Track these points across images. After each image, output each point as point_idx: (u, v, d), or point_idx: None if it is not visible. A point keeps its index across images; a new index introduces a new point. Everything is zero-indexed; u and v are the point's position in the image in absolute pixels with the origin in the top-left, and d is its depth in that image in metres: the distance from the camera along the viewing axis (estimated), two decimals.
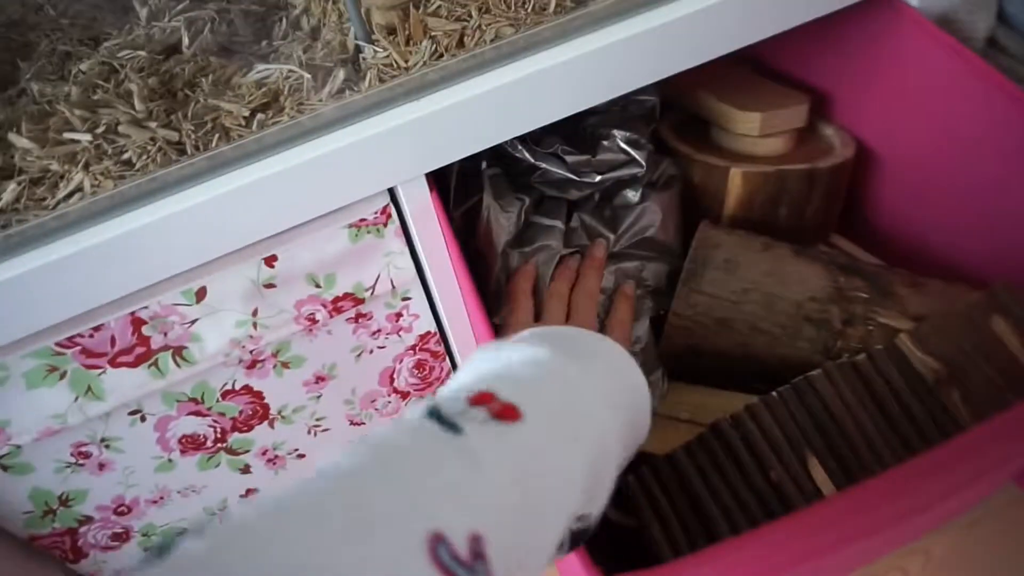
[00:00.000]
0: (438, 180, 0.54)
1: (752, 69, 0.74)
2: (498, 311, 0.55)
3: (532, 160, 0.57)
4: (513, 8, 0.51)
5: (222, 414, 0.60)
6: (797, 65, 0.72)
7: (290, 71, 0.51)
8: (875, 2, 0.57)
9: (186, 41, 0.55)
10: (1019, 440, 0.36)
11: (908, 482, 0.35)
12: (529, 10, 0.51)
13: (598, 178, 0.56)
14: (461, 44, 0.50)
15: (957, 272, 0.60)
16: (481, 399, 0.31)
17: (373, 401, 0.66)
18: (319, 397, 0.63)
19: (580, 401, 0.34)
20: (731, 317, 0.53)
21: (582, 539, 0.34)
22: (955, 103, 0.56)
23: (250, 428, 0.62)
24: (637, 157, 0.57)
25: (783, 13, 0.52)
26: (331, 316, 0.56)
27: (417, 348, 0.64)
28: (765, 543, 0.33)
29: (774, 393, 0.45)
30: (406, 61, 0.50)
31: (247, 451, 0.64)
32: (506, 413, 0.31)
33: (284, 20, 0.56)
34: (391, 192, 0.53)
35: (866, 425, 0.44)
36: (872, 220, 0.70)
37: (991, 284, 0.49)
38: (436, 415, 0.30)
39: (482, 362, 0.36)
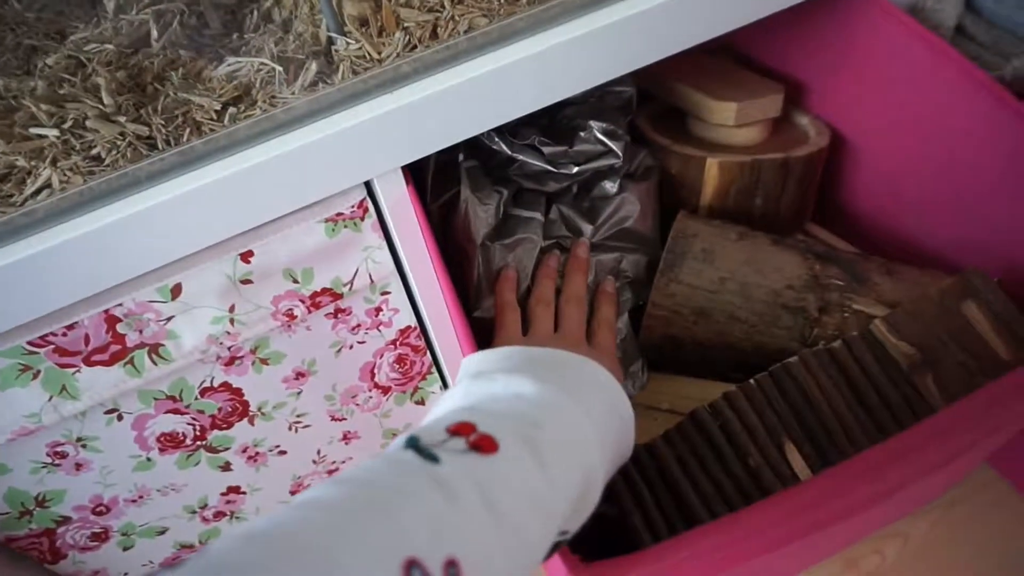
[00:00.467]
0: (415, 173, 0.54)
1: (728, 59, 0.75)
2: (479, 304, 0.55)
3: (509, 152, 0.56)
4: None
5: (201, 412, 0.59)
6: (772, 55, 0.72)
7: (261, 64, 0.50)
8: None
9: (155, 34, 0.54)
10: (988, 421, 0.37)
11: (882, 465, 0.35)
12: (502, 0, 0.51)
13: (575, 169, 0.56)
14: (435, 35, 0.50)
15: (931, 259, 0.61)
16: (460, 430, 0.32)
17: (354, 397, 0.66)
18: (299, 393, 0.62)
19: (563, 434, 0.35)
20: (709, 307, 0.54)
21: (560, 546, 0.35)
22: (925, 91, 0.57)
23: (230, 425, 0.61)
24: (614, 148, 0.57)
25: (754, 3, 0.52)
26: (309, 311, 0.56)
27: (397, 343, 0.63)
28: (741, 527, 0.33)
29: (752, 380, 0.45)
30: (379, 53, 0.49)
31: (227, 448, 0.63)
32: (483, 444, 0.32)
33: (255, 12, 0.56)
34: (367, 186, 0.52)
35: (842, 410, 0.44)
36: (847, 208, 0.70)
37: (963, 270, 0.49)
38: (415, 445, 0.31)
39: (466, 394, 0.37)
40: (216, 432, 0.61)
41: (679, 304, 0.54)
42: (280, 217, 0.50)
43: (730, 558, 0.35)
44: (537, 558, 0.32)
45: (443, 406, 0.38)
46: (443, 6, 0.51)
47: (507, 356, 0.42)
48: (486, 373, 0.39)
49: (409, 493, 0.29)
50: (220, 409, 0.60)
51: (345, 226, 0.53)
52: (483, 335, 0.53)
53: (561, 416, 0.36)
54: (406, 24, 0.50)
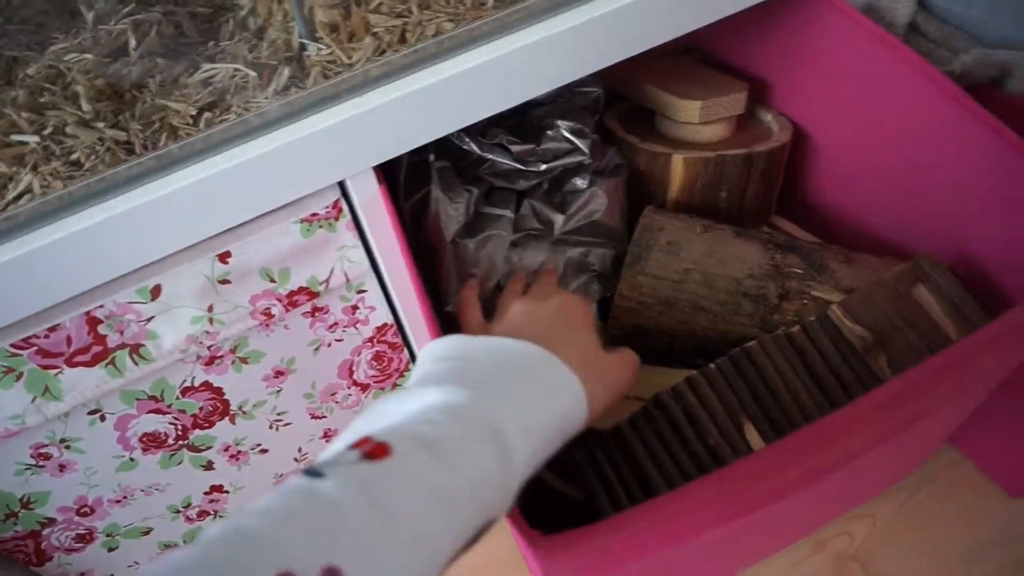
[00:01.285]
0: (387, 173, 0.55)
1: (694, 59, 0.77)
2: (450, 300, 0.57)
3: (479, 152, 0.58)
4: (452, 4, 0.53)
5: (182, 411, 0.60)
6: (737, 54, 0.74)
7: (236, 70, 0.52)
8: None
9: (133, 43, 0.55)
10: (932, 391, 0.39)
11: (831, 435, 0.37)
12: (468, 5, 0.53)
13: (543, 167, 0.58)
14: (403, 40, 0.52)
15: (888, 247, 0.63)
16: (357, 444, 0.33)
17: (333, 394, 0.67)
18: (279, 392, 0.64)
19: (467, 425, 0.35)
20: (674, 297, 0.55)
21: (486, 530, 0.35)
22: (879, 86, 0.59)
23: (211, 424, 0.63)
24: (580, 146, 0.59)
25: (710, 5, 0.54)
26: (287, 310, 0.57)
27: (375, 340, 0.65)
28: (694, 497, 0.35)
29: (712, 365, 0.47)
30: (349, 58, 0.51)
31: (209, 447, 0.64)
32: (375, 451, 0.32)
33: (231, 21, 0.57)
34: (341, 186, 0.54)
35: (798, 390, 0.46)
36: (811, 201, 0.72)
37: (915, 256, 0.51)
38: (309, 470, 0.32)
39: (381, 414, 0.36)
40: (198, 431, 0.63)
41: (646, 295, 0.56)
42: (256, 218, 0.52)
43: (686, 528, 0.36)
44: (444, 549, 0.32)
45: (352, 427, 0.37)
46: (411, 12, 0.53)
47: (442, 353, 0.41)
48: (402, 388, 0.39)
49: (284, 512, 0.29)
50: (201, 408, 0.61)
51: (320, 226, 0.54)
52: (455, 330, 0.54)
53: (468, 409, 0.36)
54: (375, 30, 0.52)
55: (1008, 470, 0.66)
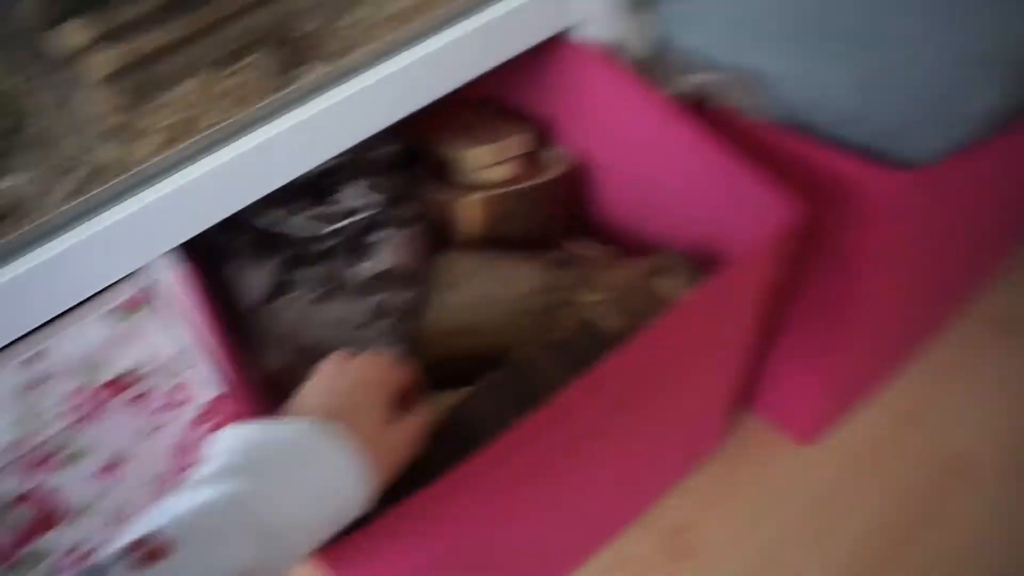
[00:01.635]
0: (194, 250, 0.59)
1: (487, 109, 0.86)
2: (258, 363, 0.61)
3: (276, 221, 0.63)
4: (234, 90, 0.59)
5: (17, 520, 0.60)
6: (523, 100, 0.83)
7: (28, 179, 0.55)
8: (553, 43, 0.69)
9: None
10: (662, 353, 0.46)
11: (569, 406, 0.44)
12: (249, 90, 0.59)
13: (339, 225, 0.64)
14: (188, 130, 0.57)
15: (658, 248, 0.72)
16: (135, 546, 0.35)
17: (178, 475, 0.68)
18: (116, 485, 0.64)
19: (242, 525, 0.38)
20: (469, 325, 0.62)
21: None
22: (627, 116, 0.69)
23: (48, 530, 0.62)
24: (374, 201, 0.65)
25: (471, 64, 0.63)
26: (108, 401, 0.59)
27: (208, 414, 0.67)
28: (455, 481, 0.40)
29: (485, 379, 0.54)
30: (138, 154, 0.56)
31: (49, 555, 0.64)
32: (154, 554, 0.35)
33: (22, 132, 0.61)
34: (145, 272, 0.57)
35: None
36: (603, 219, 0.81)
37: (655, 252, 0.60)
38: (90, 571, 0.34)
39: (160, 512, 0.39)
40: (36, 540, 0.62)
41: (444, 327, 0.62)
42: (64, 314, 0.54)
43: (451, 516, 0.41)
44: None
45: (132, 528, 0.39)
46: (193, 105, 0.58)
47: (227, 445, 0.43)
48: (188, 481, 0.41)
49: None
50: (35, 515, 0.61)
51: (131, 313, 0.57)
52: (271, 395, 0.57)
53: (243, 505, 0.39)
54: (161, 125, 0.57)
55: (794, 421, 0.76)
